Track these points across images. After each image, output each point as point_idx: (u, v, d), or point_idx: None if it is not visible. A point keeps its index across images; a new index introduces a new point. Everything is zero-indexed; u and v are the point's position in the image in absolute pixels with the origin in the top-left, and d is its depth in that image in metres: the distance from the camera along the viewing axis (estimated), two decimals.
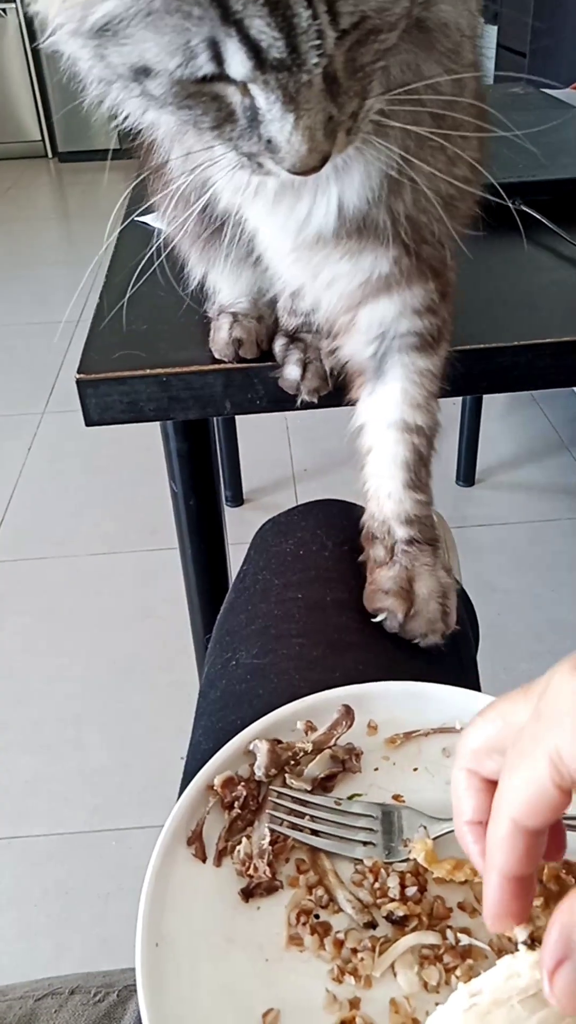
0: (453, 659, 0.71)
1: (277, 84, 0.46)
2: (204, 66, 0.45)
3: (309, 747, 0.52)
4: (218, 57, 0.45)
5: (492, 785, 0.39)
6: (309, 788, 0.51)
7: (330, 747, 0.53)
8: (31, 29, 5.06)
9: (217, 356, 0.75)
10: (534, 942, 0.42)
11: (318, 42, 0.44)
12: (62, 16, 0.47)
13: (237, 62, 0.45)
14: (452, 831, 0.49)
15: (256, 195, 0.60)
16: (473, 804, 0.41)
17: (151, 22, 0.44)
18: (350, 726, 0.54)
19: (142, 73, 0.48)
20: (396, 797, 0.52)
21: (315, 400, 0.72)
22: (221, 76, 0.46)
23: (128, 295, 0.86)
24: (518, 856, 0.36)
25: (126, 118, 0.59)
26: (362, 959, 0.44)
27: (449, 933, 0.45)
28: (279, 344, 0.73)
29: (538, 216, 0.91)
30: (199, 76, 0.46)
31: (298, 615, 0.68)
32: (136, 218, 1.00)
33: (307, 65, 0.45)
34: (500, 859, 0.37)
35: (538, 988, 0.35)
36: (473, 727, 0.41)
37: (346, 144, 0.51)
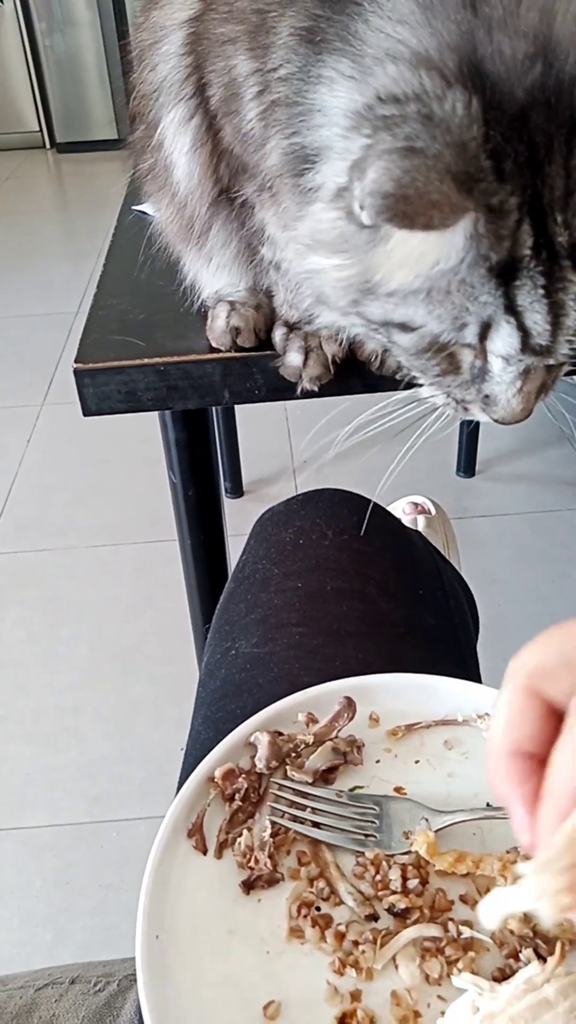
0: (453, 648, 0.71)
1: (525, 367, 0.53)
2: (469, 338, 0.51)
3: (310, 739, 0.52)
4: (483, 334, 0.50)
5: (555, 712, 0.34)
6: (310, 780, 0.51)
7: (331, 739, 0.53)
8: (28, 19, 5.05)
9: (214, 344, 0.74)
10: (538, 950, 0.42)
11: (573, 338, 0.51)
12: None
13: (504, 344, 0.51)
14: (454, 823, 0.49)
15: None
16: (529, 731, 0.35)
17: (433, 298, 0.50)
18: (352, 718, 0.54)
19: (396, 327, 0.53)
20: (398, 789, 0.52)
21: (315, 388, 0.72)
22: (469, 344, 0.52)
23: (126, 284, 0.85)
24: None
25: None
26: (363, 951, 0.43)
27: (451, 926, 0.44)
28: (279, 333, 0.72)
29: None
30: (456, 342, 0.52)
31: (298, 604, 0.68)
32: (134, 207, 0.99)
33: (556, 355, 0.52)
34: None
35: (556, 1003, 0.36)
36: (531, 647, 0.36)
37: (542, 401, 0.58)
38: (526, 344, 0.50)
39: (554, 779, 0.33)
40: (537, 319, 0.49)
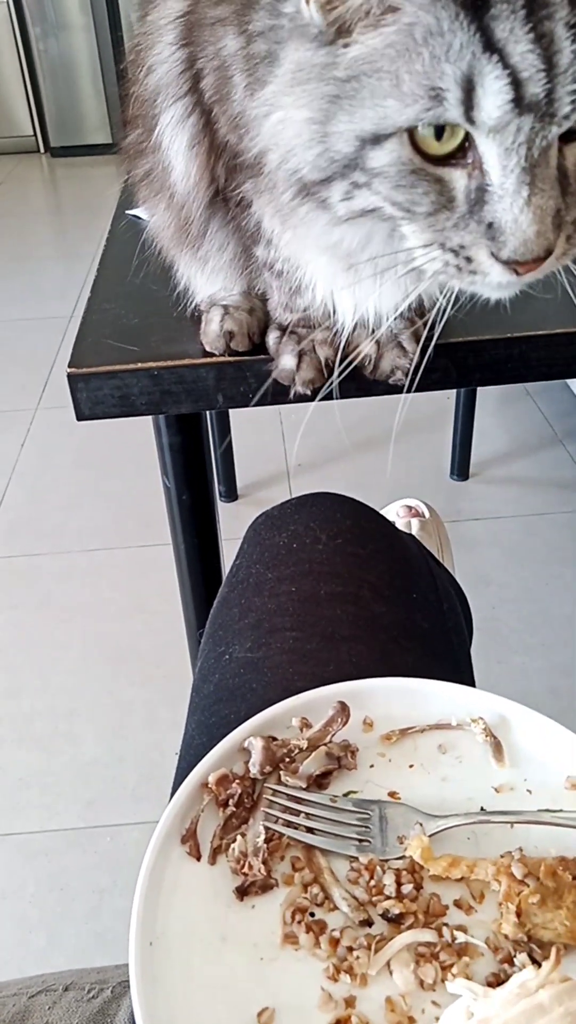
0: (447, 652, 0.71)
1: (525, 139, 0.45)
2: (452, 109, 0.44)
3: (304, 744, 0.52)
4: (467, 100, 0.44)
5: None
6: (304, 785, 0.51)
7: (325, 744, 0.52)
8: (22, 23, 5.05)
9: (208, 348, 0.74)
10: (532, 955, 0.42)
11: (574, 87, 0.43)
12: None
13: (493, 99, 0.43)
14: (448, 828, 0.49)
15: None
16: None
17: (402, 70, 0.44)
18: (345, 723, 0.54)
19: (370, 142, 0.47)
20: (392, 794, 0.51)
21: (308, 392, 0.72)
22: (448, 158, 0.46)
23: (119, 289, 0.85)
24: None
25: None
26: (358, 957, 0.43)
27: (445, 931, 0.44)
28: (272, 337, 0.72)
29: None
30: (444, 120, 0.45)
31: (292, 608, 0.68)
32: (127, 212, 0.99)
33: (559, 115, 0.44)
34: None
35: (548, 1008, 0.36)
36: None
37: (564, 252, 0.49)
38: (519, 95, 0.43)
39: None
40: (524, 52, 0.42)
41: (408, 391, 0.71)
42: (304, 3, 0.47)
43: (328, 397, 0.73)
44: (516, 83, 0.43)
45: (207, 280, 0.74)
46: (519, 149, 0.45)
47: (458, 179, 0.47)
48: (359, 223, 0.53)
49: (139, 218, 0.94)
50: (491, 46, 0.42)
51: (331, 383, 0.69)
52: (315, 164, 0.50)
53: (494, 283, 0.51)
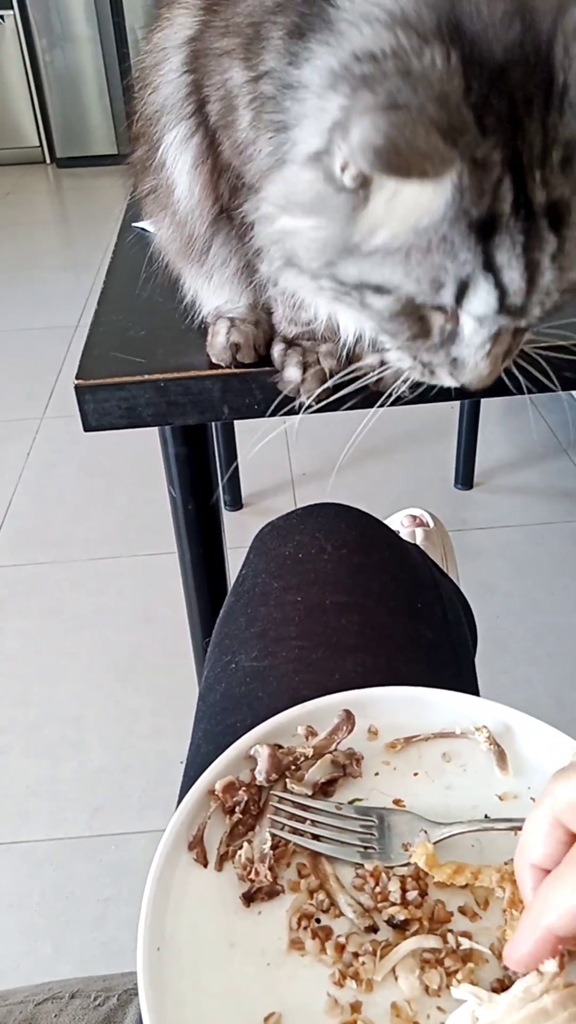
0: (452, 661, 0.71)
1: (498, 329, 0.53)
2: (445, 297, 0.51)
3: (310, 752, 0.53)
4: (460, 294, 0.50)
5: (573, 838, 0.40)
6: (310, 793, 0.51)
7: (331, 752, 0.53)
8: (29, 35, 5.08)
9: (214, 360, 0.75)
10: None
11: (545, 300, 0.51)
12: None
13: (480, 303, 0.50)
14: (452, 835, 0.49)
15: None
16: (547, 852, 0.41)
17: (413, 257, 0.49)
18: (351, 731, 0.54)
19: (371, 290, 0.53)
20: (397, 802, 0.52)
21: (313, 403, 0.72)
22: (442, 307, 0.52)
23: (126, 301, 0.86)
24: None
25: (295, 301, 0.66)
26: (363, 963, 0.44)
27: (450, 937, 0.45)
28: (277, 349, 0.73)
29: None
30: (433, 305, 0.52)
31: (297, 618, 0.68)
32: (134, 224, 1.00)
33: (529, 317, 0.52)
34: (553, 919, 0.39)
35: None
36: (570, 780, 0.41)
37: (504, 365, 0.57)
38: (502, 304, 0.50)
39: (536, 897, 0.41)
40: (514, 277, 0.49)
41: (411, 402, 0.72)
42: (338, 168, 0.48)
43: (332, 408, 0.73)
44: (503, 295, 0.50)
45: (213, 293, 0.75)
46: (489, 329, 0.53)
47: (437, 319, 0.54)
48: None
49: (146, 231, 0.94)
50: (490, 266, 0.49)
51: (329, 397, 0.70)
52: (314, 271, 0.54)
53: (448, 385, 0.60)
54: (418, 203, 0.47)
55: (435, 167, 0.45)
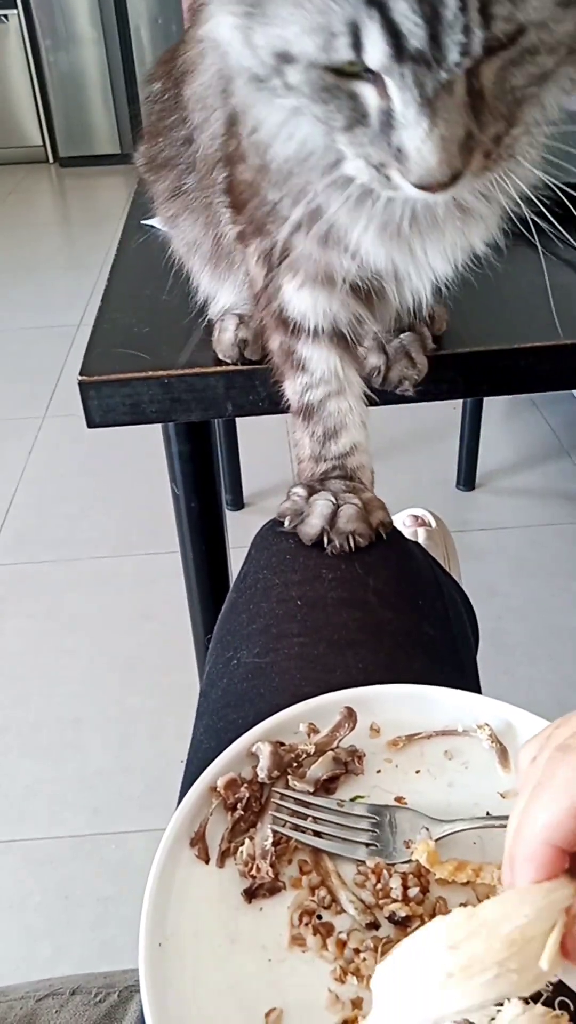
0: (454, 659, 0.71)
1: (414, 80, 0.44)
2: (342, 50, 0.44)
3: (312, 749, 0.53)
4: (358, 42, 0.43)
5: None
6: (312, 790, 0.51)
7: (332, 749, 0.53)
8: (33, 35, 5.09)
9: (221, 357, 0.75)
10: None
11: (463, 38, 0.42)
12: None
13: (375, 48, 0.43)
14: (454, 832, 0.49)
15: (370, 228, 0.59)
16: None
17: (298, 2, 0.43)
18: (352, 728, 0.54)
19: (283, 60, 0.46)
20: (398, 799, 0.52)
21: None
22: (358, 73, 0.45)
23: (130, 298, 0.86)
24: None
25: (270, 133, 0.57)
26: (364, 959, 0.44)
27: None
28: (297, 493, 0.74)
29: (535, 220, 0.91)
30: (337, 61, 0.44)
31: (299, 614, 0.68)
32: (142, 221, 1.00)
33: (447, 61, 0.43)
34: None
35: None
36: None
37: (483, 168, 0.49)
38: (400, 48, 0.43)
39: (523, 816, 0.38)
40: (403, 10, 0.41)
41: (415, 400, 0.72)
42: None
43: None
44: (396, 35, 0.42)
45: (224, 292, 0.75)
46: (411, 88, 0.44)
47: (370, 96, 0.47)
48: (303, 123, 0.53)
49: (154, 227, 0.94)
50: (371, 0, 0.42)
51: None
52: (246, 66, 0.50)
53: (415, 197, 0.52)
54: None
55: None
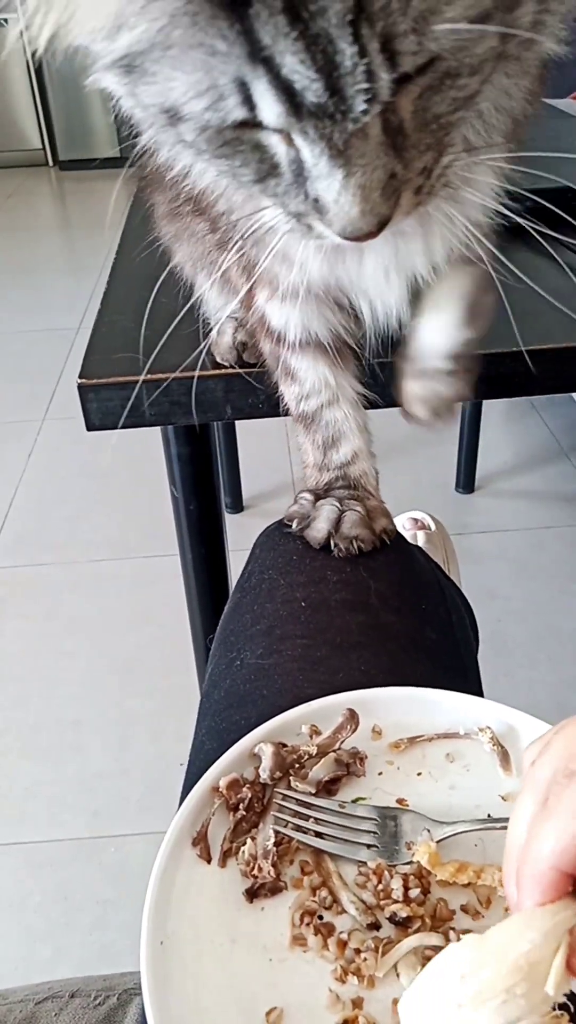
0: (455, 663, 0.72)
1: (319, 135, 0.39)
2: (234, 110, 0.39)
3: (314, 751, 0.53)
4: (249, 100, 0.38)
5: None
6: (313, 791, 0.51)
7: (335, 751, 0.53)
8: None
9: (220, 360, 0.75)
10: None
11: (366, 85, 0.37)
12: (96, 46, 0.41)
13: (268, 108, 0.38)
14: (456, 834, 0.49)
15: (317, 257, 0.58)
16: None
17: (175, 57, 0.38)
18: (354, 730, 0.54)
19: (174, 118, 0.42)
20: (400, 801, 0.52)
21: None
22: (256, 123, 0.40)
23: (130, 301, 0.86)
24: None
25: (184, 171, 0.53)
26: (365, 959, 0.44)
27: (452, 935, 0.45)
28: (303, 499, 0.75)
29: (537, 224, 0.91)
30: (231, 121, 0.40)
31: (303, 616, 0.68)
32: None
33: (353, 112, 0.38)
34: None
35: None
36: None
37: (414, 205, 0.45)
38: (296, 104, 0.38)
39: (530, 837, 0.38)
40: (293, 63, 0.36)
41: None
42: None
43: None
44: (290, 92, 0.37)
45: (223, 297, 0.75)
46: (317, 142, 0.40)
47: (277, 146, 0.42)
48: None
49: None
50: (257, 55, 0.36)
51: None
52: (142, 120, 0.46)
53: (344, 245, 0.48)
54: None
55: None
